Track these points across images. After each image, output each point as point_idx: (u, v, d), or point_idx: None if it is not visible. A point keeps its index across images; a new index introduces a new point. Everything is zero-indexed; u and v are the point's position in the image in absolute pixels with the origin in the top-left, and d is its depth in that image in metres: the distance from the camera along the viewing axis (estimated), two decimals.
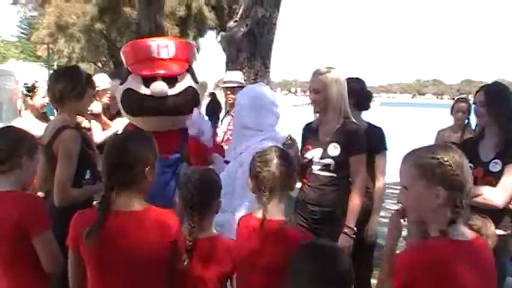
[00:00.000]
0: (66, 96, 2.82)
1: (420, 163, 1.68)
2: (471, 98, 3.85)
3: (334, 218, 2.90)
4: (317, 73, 2.99)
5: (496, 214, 2.61)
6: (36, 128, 4.69)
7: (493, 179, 2.75)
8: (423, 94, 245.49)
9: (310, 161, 2.97)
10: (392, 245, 1.82)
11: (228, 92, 4.92)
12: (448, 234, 1.61)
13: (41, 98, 4.64)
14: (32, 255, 2.11)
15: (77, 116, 3.08)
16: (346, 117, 2.98)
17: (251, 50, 5.93)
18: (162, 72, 2.89)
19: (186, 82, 2.99)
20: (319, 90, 2.96)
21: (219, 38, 6.29)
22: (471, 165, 2.83)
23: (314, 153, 2.97)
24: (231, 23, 6.13)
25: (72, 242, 1.93)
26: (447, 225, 1.62)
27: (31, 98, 4.35)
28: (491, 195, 2.69)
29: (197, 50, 38.55)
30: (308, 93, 3.09)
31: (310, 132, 3.13)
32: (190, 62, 3.13)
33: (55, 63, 31.25)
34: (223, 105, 5.26)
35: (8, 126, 2.53)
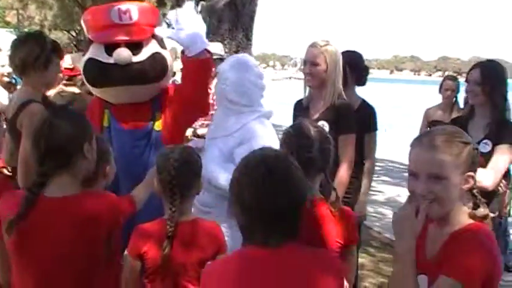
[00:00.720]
0: (29, 66, 2.62)
1: (454, 151, 1.53)
2: (446, 73, 3.81)
3: None
4: (316, 45, 2.87)
5: (485, 196, 2.55)
6: (0, 98, 4.45)
7: (483, 159, 2.63)
8: (401, 70, 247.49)
9: None
10: (412, 246, 1.56)
11: None
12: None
13: (0, 66, 4.37)
14: None
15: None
16: (339, 93, 2.88)
17: (233, 21, 5.72)
18: (124, 38, 2.69)
19: (152, 48, 2.77)
20: (318, 62, 2.84)
21: (199, 7, 6.03)
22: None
23: None
24: None
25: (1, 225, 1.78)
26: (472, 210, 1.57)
27: None
28: (481, 177, 2.60)
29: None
30: (300, 66, 3.05)
31: (301, 110, 3.02)
32: (156, 25, 2.88)
33: (26, 30, 30.30)
34: None
35: None
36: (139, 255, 1.97)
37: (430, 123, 5.09)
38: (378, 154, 3.37)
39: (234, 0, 5.73)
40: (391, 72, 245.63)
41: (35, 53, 2.62)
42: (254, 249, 1.43)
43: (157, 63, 2.75)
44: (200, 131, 4.67)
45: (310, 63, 2.88)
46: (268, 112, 2.88)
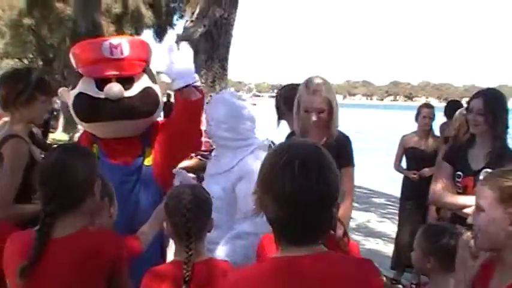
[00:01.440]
0: (10, 103, 2.55)
1: (499, 186, 1.57)
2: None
3: None
4: (315, 89, 2.72)
5: None
6: None
7: None
8: (353, 95, 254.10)
9: None
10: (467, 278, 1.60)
11: None
12: None
13: None
14: None
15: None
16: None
17: (209, 52, 5.71)
18: (115, 73, 2.63)
19: (143, 83, 2.71)
20: (324, 108, 2.72)
21: (173, 37, 5.95)
22: (460, 173, 2.82)
23: None
24: (187, 23, 5.88)
25: (5, 267, 1.71)
26: None
27: None
28: None
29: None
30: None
31: None
32: (147, 61, 2.84)
33: None
34: None
35: None
36: None
37: (407, 150, 5.19)
38: None
39: (210, 31, 5.72)
40: (344, 97, 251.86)
41: (16, 90, 2.55)
42: (292, 253, 1.32)
43: (148, 98, 2.70)
44: (184, 164, 4.58)
45: (313, 111, 2.72)
46: (262, 144, 2.88)
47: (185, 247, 1.90)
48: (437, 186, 2.94)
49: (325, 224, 1.35)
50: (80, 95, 2.64)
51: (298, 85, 2.92)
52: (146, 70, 2.79)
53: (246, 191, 2.64)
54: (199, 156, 4.51)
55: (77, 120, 2.75)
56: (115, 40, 2.70)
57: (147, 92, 2.70)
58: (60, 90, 2.81)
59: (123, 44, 2.68)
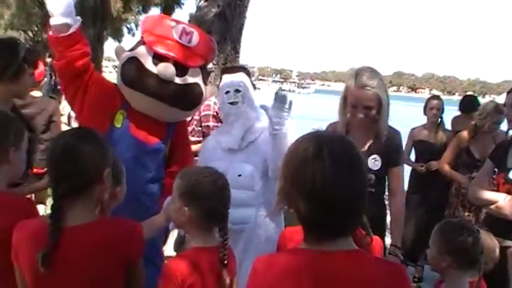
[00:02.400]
0: None
1: None
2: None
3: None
4: (364, 86, 2.55)
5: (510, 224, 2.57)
6: None
7: (511, 187, 2.64)
8: None
9: None
10: None
11: None
12: None
13: None
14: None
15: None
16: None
17: (222, 33, 5.63)
18: (176, 56, 2.64)
19: (196, 78, 2.72)
20: (373, 105, 2.56)
21: (186, 17, 5.90)
22: (496, 170, 2.79)
23: None
24: (201, 2, 5.78)
25: (13, 255, 1.67)
26: None
27: None
28: (504, 205, 2.61)
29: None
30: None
31: None
32: (208, 61, 2.89)
33: None
34: None
35: None
36: None
37: (416, 143, 5.15)
38: None
39: (223, 11, 5.64)
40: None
41: (4, 62, 2.47)
42: (323, 247, 1.29)
43: (193, 94, 2.72)
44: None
45: (360, 106, 2.57)
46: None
47: (220, 231, 1.88)
48: (476, 183, 2.93)
49: (357, 217, 1.32)
50: (134, 59, 2.64)
51: None
52: (203, 69, 2.82)
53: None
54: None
55: (118, 80, 2.73)
56: (189, 28, 2.73)
57: (194, 87, 2.71)
58: (117, 46, 2.82)
59: (194, 34, 2.71)
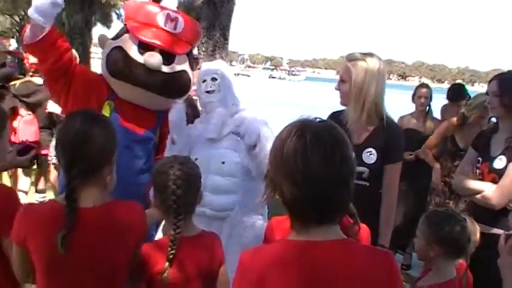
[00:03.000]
0: None
1: None
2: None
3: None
4: (347, 58, 2.57)
5: (496, 213, 2.58)
6: None
7: (496, 176, 2.63)
8: None
9: None
10: None
11: None
12: None
13: None
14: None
15: None
16: (381, 116, 2.55)
17: (211, 20, 5.57)
18: (162, 44, 2.59)
19: (183, 65, 2.69)
20: (344, 79, 2.55)
21: (175, 3, 5.82)
22: (480, 159, 2.78)
23: None
24: None
25: (18, 237, 1.66)
26: None
27: None
28: (489, 194, 2.60)
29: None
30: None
31: None
32: (194, 46, 2.85)
33: None
34: None
35: None
36: (150, 276, 1.85)
37: (404, 132, 5.14)
38: None
39: None
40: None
41: None
42: (310, 237, 1.27)
43: (181, 81, 2.69)
44: None
45: (339, 78, 2.61)
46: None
47: (173, 224, 1.85)
48: (459, 172, 2.92)
49: (343, 204, 1.29)
50: (119, 49, 2.58)
51: None
52: (189, 54, 2.78)
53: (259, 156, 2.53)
54: None
55: (103, 71, 2.67)
56: (173, 13, 2.66)
57: (182, 75, 2.68)
58: (100, 35, 2.73)
59: (179, 20, 2.65)
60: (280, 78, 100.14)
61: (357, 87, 2.49)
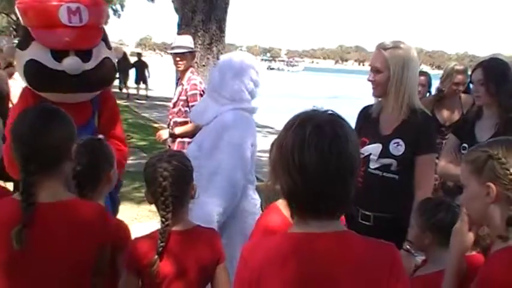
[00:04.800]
0: None
1: (472, 158, 1.55)
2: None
3: (395, 227, 2.26)
4: (380, 47, 2.45)
5: None
6: None
7: None
8: (346, 60, 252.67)
9: (366, 158, 2.44)
10: (455, 262, 1.64)
11: (178, 59, 4.52)
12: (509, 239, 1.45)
13: None
14: None
15: None
16: (413, 106, 2.44)
17: (206, 12, 5.53)
18: (75, 45, 2.46)
19: (102, 53, 2.58)
20: (380, 69, 2.43)
21: None
22: (466, 145, 2.78)
23: (372, 149, 2.45)
24: None
25: None
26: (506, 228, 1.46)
27: None
28: None
29: (121, 6, 36.55)
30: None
31: (368, 121, 2.55)
32: (104, 24, 2.70)
33: None
34: (174, 73, 4.89)
35: None
36: (138, 270, 1.85)
37: None
38: None
39: None
40: (336, 62, 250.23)
41: None
42: (309, 229, 1.27)
43: (107, 69, 2.61)
44: (178, 130, 4.53)
45: (371, 69, 2.48)
46: (250, 107, 2.79)
47: (161, 217, 1.86)
48: (442, 159, 2.91)
49: (341, 199, 1.28)
50: (34, 62, 2.45)
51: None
52: (103, 36, 2.64)
53: (208, 148, 2.63)
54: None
55: (26, 83, 2.57)
56: (73, 4, 2.45)
57: (105, 63, 2.58)
58: (6, 48, 2.62)
59: (82, 9, 2.47)
60: (279, 70, 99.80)
61: (397, 77, 2.39)
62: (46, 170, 1.64)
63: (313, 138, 1.22)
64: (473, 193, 1.54)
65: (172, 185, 1.84)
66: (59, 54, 2.43)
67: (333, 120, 1.28)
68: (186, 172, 1.92)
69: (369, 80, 2.49)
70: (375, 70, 2.45)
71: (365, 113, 2.61)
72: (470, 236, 1.64)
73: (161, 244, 1.81)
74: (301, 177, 1.23)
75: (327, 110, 1.32)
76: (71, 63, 2.42)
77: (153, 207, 1.97)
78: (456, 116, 4.24)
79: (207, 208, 2.49)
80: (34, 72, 2.47)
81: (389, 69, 2.39)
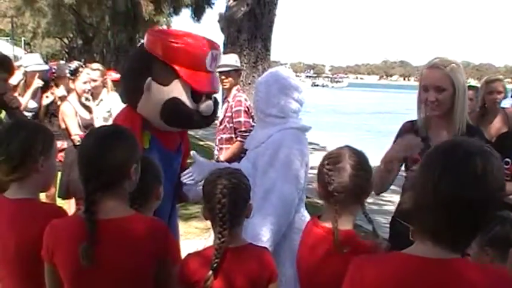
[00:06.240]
0: None
1: None
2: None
3: None
4: (437, 66, 2.43)
5: None
6: (83, 112, 4.62)
7: None
8: (390, 75, 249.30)
9: None
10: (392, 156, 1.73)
11: (223, 77, 4.58)
12: None
13: (82, 83, 4.49)
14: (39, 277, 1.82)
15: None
16: (468, 122, 2.46)
17: (252, 31, 5.60)
18: (212, 90, 2.69)
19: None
20: (444, 87, 2.40)
21: (217, 17, 5.85)
22: (509, 160, 2.69)
23: None
24: (230, 2, 5.77)
25: (47, 254, 1.72)
26: None
27: (73, 82, 4.37)
28: None
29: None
30: (420, 93, 2.47)
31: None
32: None
33: (22, 38, 30.00)
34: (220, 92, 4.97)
35: (18, 123, 2.20)
36: (190, 285, 1.86)
37: None
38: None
39: (253, 10, 5.61)
40: (381, 77, 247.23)
41: None
42: (435, 254, 1.26)
43: (216, 110, 2.79)
44: (227, 153, 4.61)
45: (430, 88, 2.43)
46: (302, 125, 2.84)
47: (218, 233, 1.87)
48: None
49: (472, 229, 1.28)
50: (177, 100, 2.56)
51: None
52: None
53: (263, 166, 2.71)
54: (239, 138, 4.55)
55: (157, 116, 2.59)
56: (215, 51, 2.62)
57: (216, 103, 2.77)
58: (148, 81, 2.54)
59: (218, 57, 2.66)
60: (323, 86, 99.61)
61: (462, 93, 2.41)
62: (106, 188, 1.70)
63: (458, 166, 1.25)
64: None
65: (230, 202, 1.86)
66: (197, 96, 2.60)
67: (480, 147, 1.29)
68: (244, 190, 1.94)
69: (430, 101, 2.43)
70: (436, 89, 2.40)
71: (409, 129, 2.56)
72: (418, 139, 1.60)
73: (216, 260, 1.83)
74: (446, 205, 1.24)
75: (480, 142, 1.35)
76: (208, 106, 2.61)
77: (199, 224, 2.00)
78: (504, 130, 4.15)
79: (260, 227, 2.54)
80: (177, 110, 2.57)
81: (453, 86, 2.39)
